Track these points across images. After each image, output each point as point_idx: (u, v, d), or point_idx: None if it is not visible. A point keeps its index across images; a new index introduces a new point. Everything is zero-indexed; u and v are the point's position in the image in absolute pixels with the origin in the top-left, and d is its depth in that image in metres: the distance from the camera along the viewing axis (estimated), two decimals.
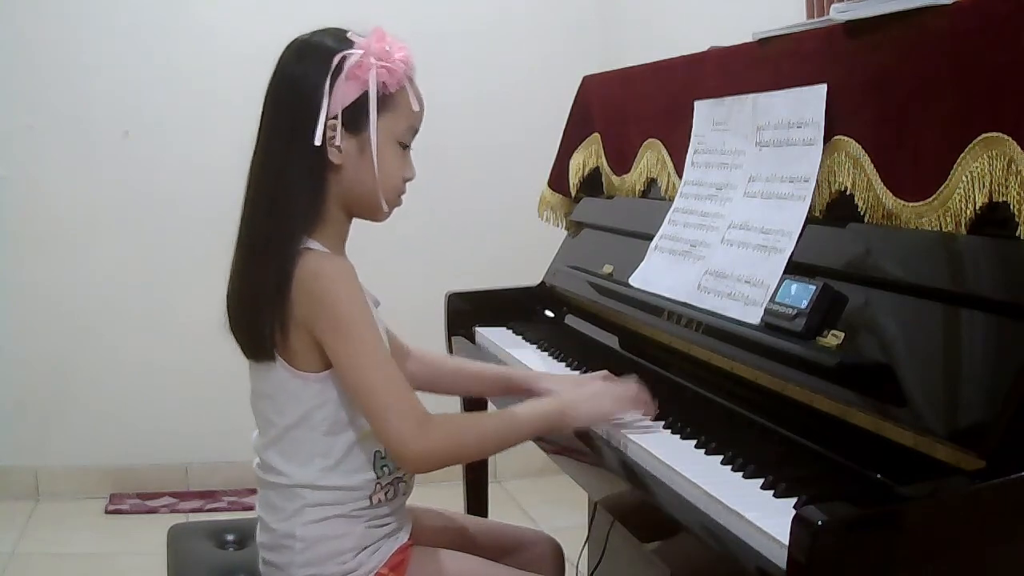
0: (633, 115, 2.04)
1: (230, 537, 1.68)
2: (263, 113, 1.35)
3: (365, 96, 1.30)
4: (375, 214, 1.37)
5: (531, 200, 2.38)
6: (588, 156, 2.21)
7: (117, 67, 3.26)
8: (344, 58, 1.29)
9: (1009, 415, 1.00)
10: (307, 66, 1.31)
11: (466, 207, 3.46)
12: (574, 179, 2.23)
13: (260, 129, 1.35)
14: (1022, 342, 1.02)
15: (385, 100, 1.31)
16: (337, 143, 1.30)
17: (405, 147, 1.37)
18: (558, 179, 2.30)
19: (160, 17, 3.27)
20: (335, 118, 1.29)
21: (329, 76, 1.28)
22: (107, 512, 3.24)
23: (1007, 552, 0.99)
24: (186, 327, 3.34)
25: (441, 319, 2.20)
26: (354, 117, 1.30)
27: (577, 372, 1.74)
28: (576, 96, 2.29)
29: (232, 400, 3.28)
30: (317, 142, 1.28)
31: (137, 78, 3.26)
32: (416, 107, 1.35)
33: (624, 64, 2.18)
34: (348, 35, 1.32)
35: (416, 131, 1.38)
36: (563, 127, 2.31)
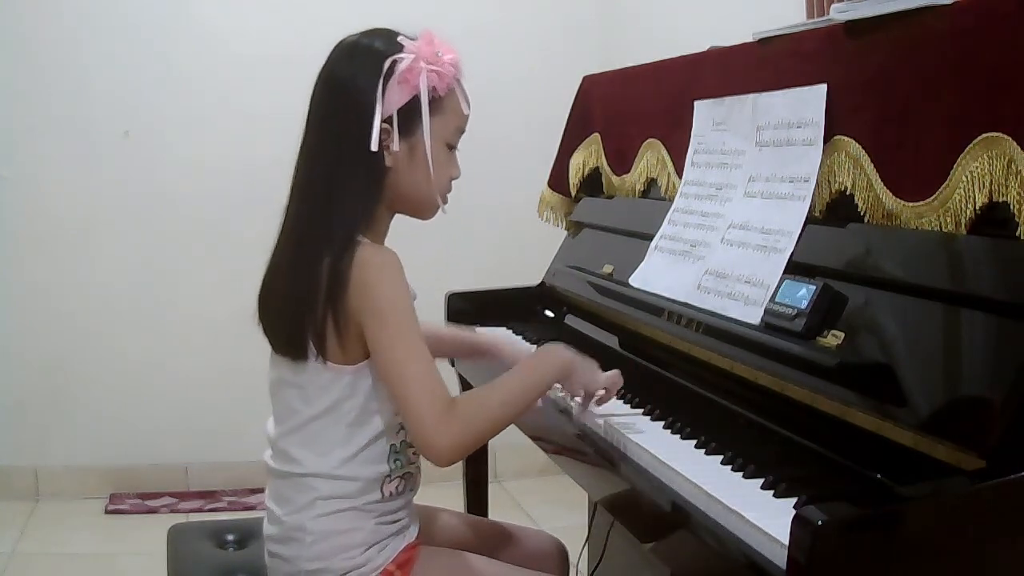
0: (633, 115, 2.04)
1: (230, 537, 1.69)
2: (310, 114, 1.35)
3: (416, 99, 1.31)
4: (423, 213, 1.40)
5: (531, 200, 2.38)
6: (588, 156, 2.21)
7: (117, 67, 3.26)
8: (395, 62, 1.30)
9: (1009, 415, 1.00)
10: (357, 69, 1.31)
11: (466, 206, 3.44)
12: (574, 179, 2.23)
13: (307, 130, 1.35)
14: (1022, 342, 1.02)
15: (435, 103, 1.33)
16: (393, 148, 1.31)
17: (452, 148, 1.39)
18: (558, 179, 2.30)
19: (160, 17, 3.27)
20: (388, 121, 1.30)
21: (381, 79, 1.29)
22: (107, 512, 3.24)
23: (1007, 552, 0.99)
24: (186, 327, 3.35)
25: (441, 319, 2.20)
26: (406, 120, 1.31)
27: None
28: (576, 96, 2.29)
29: (232, 400, 3.31)
30: (374, 147, 1.29)
31: (137, 78, 3.26)
32: (466, 110, 1.38)
33: (624, 64, 2.18)
34: (398, 38, 1.33)
35: (463, 131, 1.40)
36: (563, 127, 2.31)
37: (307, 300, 1.29)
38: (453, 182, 1.41)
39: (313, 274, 1.28)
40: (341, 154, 1.31)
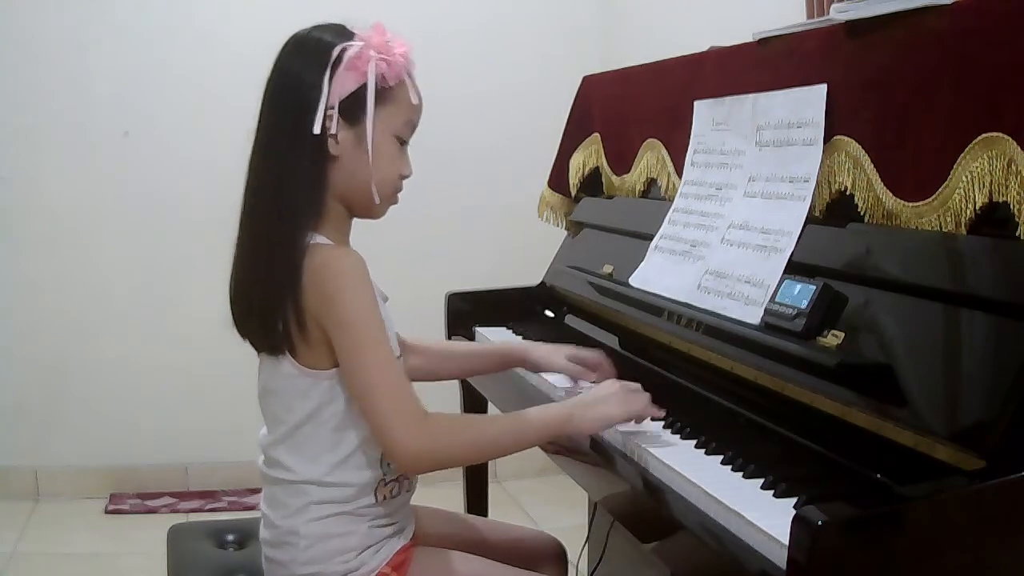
0: (633, 115, 2.04)
1: (230, 537, 1.69)
2: (261, 109, 1.35)
3: (364, 88, 1.30)
4: (369, 209, 1.37)
5: (531, 200, 2.38)
6: (588, 156, 2.21)
7: (117, 67, 3.26)
8: (344, 49, 1.29)
9: (1009, 415, 1.00)
10: (306, 59, 1.31)
11: (466, 207, 3.46)
12: (574, 179, 2.23)
13: (259, 126, 1.34)
14: (1022, 342, 1.02)
15: (383, 93, 1.31)
16: (333, 131, 1.29)
17: (403, 143, 1.37)
18: (558, 179, 2.30)
19: (160, 17, 3.27)
20: (333, 108, 1.29)
21: (329, 67, 1.28)
22: (107, 512, 3.24)
23: (1007, 552, 0.99)
24: (186, 327, 3.34)
25: (441, 319, 2.20)
26: (352, 108, 1.30)
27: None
28: (576, 96, 2.29)
29: (232, 400, 3.30)
30: (316, 130, 1.28)
31: (137, 78, 3.26)
32: (415, 100, 1.35)
33: (624, 64, 2.18)
34: (348, 28, 1.33)
35: (414, 127, 1.38)
36: (563, 127, 2.31)
37: (268, 295, 1.29)
38: (409, 182, 1.38)
39: (270, 269, 1.28)
40: (288, 145, 1.30)
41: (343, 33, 1.32)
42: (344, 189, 1.34)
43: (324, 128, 1.28)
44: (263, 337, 1.33)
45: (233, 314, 1.37)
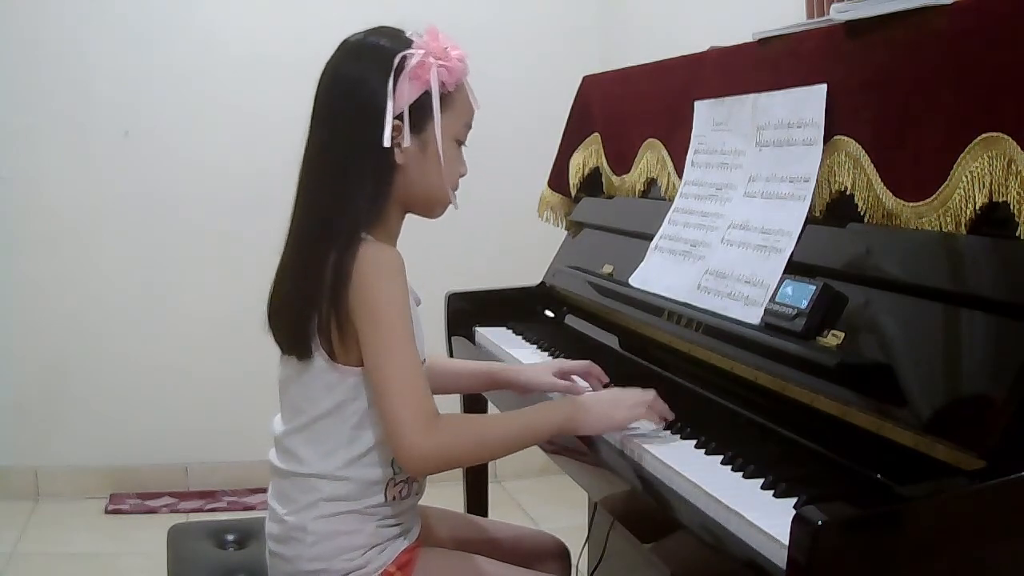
0: (633, 115, 2.04)
1: (230, 537, 1.69)
2: (316, 113, 1.34)
3: (427, 95, 1.31)
4: (433, 211, 1.40)
5: (531, 200, 2.38)
6: (588, 156, 2.21)
7: (117, 67, 3.26)
8: (405, 58, 1.30)
9: (1009, 415, 1.00)
10: (366, 67, 1.31)
11: (466, 207, 3.46)
12: (574, 179, 2.23)
13: (313, 129, 1.34)
14: (1022, 342, 1.02)
15: (445, 99, 1.33)
16: (404, 144, 1.30)
17: (461, 144, 1.39)
18: (558, 179, 2.30)
19: (160, 17, 3.27)
20: (399, 118, 1.30)
21: (391, 76, 1.29)
22: (107, 512, 3.24)
23: (1007, 552, 0.99)
24: (186, 327, 3.34)
25: (441, 319, 2.20)
26: (417, 116, 1.31)
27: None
28: (576, 96, 2.29)
29: (232, 400, 3.31)
30: (387, 143, 1.28)
31: (137, 78, 3.27)
32: (474, 105, 1.39)
33: (624, 64, 2.18)
34: (405, 35, 1.34)
35: (471, 127, 1.40)
36: (563, 127, 2.31)
37: (312, 298, 1.28)
38: (461, 180, 1.41)
39: (318, 272, 1.28)
40: (351, 153, 1.31)
41: (400, 38, 1.33)
42: (406, 195, 1.35)
43: (392, 138, 1.29)
44: (294, 336, 1.32)
45: (269, 311, 1.37)
